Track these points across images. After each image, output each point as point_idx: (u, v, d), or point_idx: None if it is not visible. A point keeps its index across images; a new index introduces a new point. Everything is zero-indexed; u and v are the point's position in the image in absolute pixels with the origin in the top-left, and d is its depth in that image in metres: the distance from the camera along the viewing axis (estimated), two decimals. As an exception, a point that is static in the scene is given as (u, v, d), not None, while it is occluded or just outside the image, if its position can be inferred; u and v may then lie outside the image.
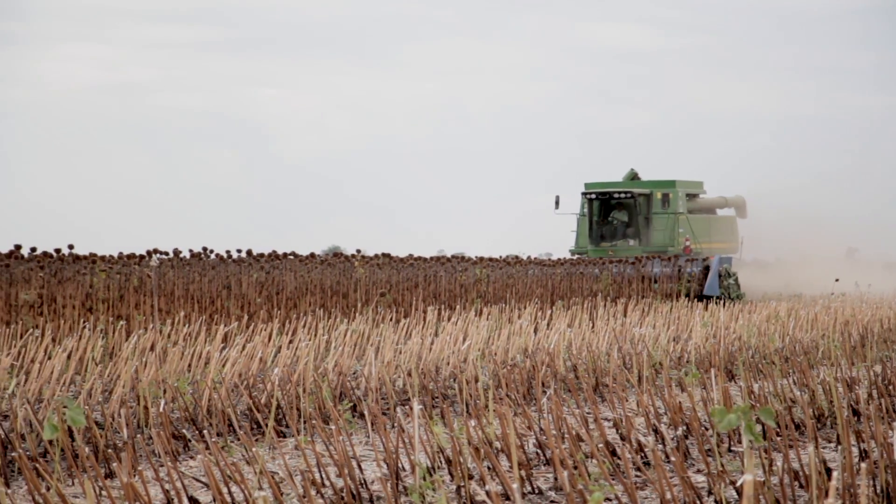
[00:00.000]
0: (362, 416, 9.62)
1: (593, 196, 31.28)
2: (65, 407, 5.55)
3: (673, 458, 6.38)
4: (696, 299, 25.17)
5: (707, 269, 26.69)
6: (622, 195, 31.13)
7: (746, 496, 4.11)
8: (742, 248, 33.57)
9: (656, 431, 8.28)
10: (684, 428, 8.41)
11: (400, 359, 11.60)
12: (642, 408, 8.62)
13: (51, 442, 7.44)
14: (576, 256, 30.87)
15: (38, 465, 6.95)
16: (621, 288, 25.53)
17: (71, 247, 17.06)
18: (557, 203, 31.49)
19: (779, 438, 7.89)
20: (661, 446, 8.13)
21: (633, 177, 32.43)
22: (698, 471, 7.45)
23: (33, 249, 16.71)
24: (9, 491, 6.39)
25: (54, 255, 16.78)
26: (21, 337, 13.63)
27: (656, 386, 11.14)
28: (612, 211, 31.32)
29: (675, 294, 25.80)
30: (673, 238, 31.11)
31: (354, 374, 11.81)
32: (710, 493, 6.66)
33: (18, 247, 16.52)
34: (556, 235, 34.72)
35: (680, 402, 8.69)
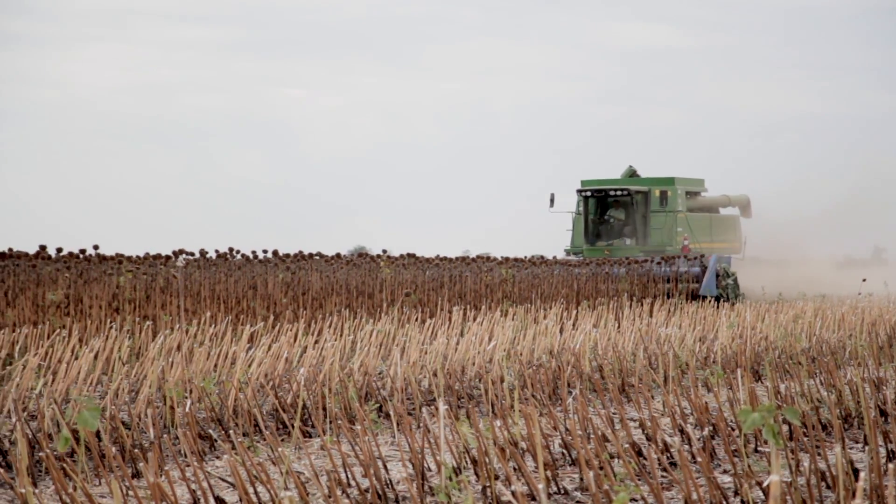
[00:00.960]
0: (388, 416, 9.63)
1: (589, 193, 30.32)
2: (83, 405, 5.57)
3: (699, 459, 6.36)
4: (690, 300, 24.20)
5: (706, 268, 25.74)
6: (619, 193, 30.12)
7: (773, 497, 4.09)
8: (745, 248, 32.31)
9: (682, 432, 8.26)
10: (710, 428, 8.38)
11: (425, 359, 11.60)
12: (668, 408, 8.60)
13: (77, 442, 7.46)
14: (571, 256, 29.71)
15: (65, 465, 6.98)
16: (647, 288, 25.01)
17: (96, 247, 17.12)
18: (552, 201, 30.49)
19: (805, 439, 7.86)
20: (687, 447, 8.11)
21: (632, 174, 31.50)
22: (724, 471, 7.42)
23: (59, 250, 16.78)
24: (36, 490, 6.42)
25: (80, 255, 16.85)
26: (48, 337, 13.69)
27: (682, 386, 11.12)
28: (609, 209, 30.39)
29: (656, 295, 24.40)
30: (671, 237, 30.20)
31: (380, 374, 11.81)
32: (736, 493, 6.64)
33: (44, 247, 16.60)
34: (552, 235, 33.94)
35: (706, 403, 8.67)
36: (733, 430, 8.40)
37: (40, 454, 7.68)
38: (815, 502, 6.13)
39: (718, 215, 32.59)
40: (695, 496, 6.17)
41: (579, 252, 30.05)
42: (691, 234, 30.39)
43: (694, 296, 24.64)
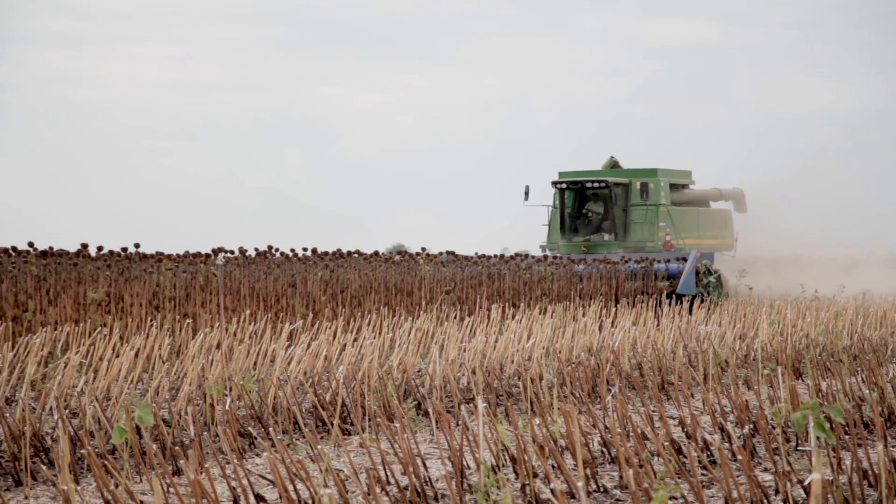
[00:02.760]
0: (427, 413, 9.63)
1: (564, 185, 28.28)
2: (133, 405, 5.60)
3: (739, 457, 6.33)
4: (668, 298, 22.42)
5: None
6: (596, 185, 28.04)
7: (814, 495, 4.06)
8: (737, 244, 30.34)
9: (722, 430, 8.22)
10: (751, 426, 8.34)
11: (464, 357, 11.60)
12: (708, 406, 8.56)
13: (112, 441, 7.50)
14: (546, 253, 27.49)
15: (106, 463, 7.02)
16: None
17: (137, 245, 17.22)
18: (527, 194, 28.44)
19: (847, 437, 7.80)
20: (727, 445, 8.07)
21: (613, 165, 29.49)
22: (765, 469, 7.39)
23: (100, 248, 16.88)
24: (78, 488, 6.46)
25: (121, 253, 16.95)
26: (89, 335, 13.78)
27: (722, 384, 11.07)
28: (588, 202, 28.39)
29: (619, 295, 22.56)
30: (653, 233, 28.05)
31: (419, 372, 11.82)
32: (777, 491, 6.60)
33: (86, 246, 16.70)
34: (527, 229, 31.85)
35: (746, 401, 8.62)
36: (774, 428, 8.35)
37: (82, 451, 7.73)
38: (857, 501, 6.09)
39: (707, 210, 30.40)
40: (735, 494, 6.14)
41: (555, 248, 28.35)
42: (674, 229, 28.37)
43: (668, 295, 22.95)
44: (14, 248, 15.95)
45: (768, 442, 7.18)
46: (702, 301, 22.33)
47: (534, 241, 29.12)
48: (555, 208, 28.59)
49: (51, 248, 16.28)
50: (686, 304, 19.97)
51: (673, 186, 28.98)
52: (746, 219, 31.62)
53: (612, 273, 22.80)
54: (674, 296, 22.57)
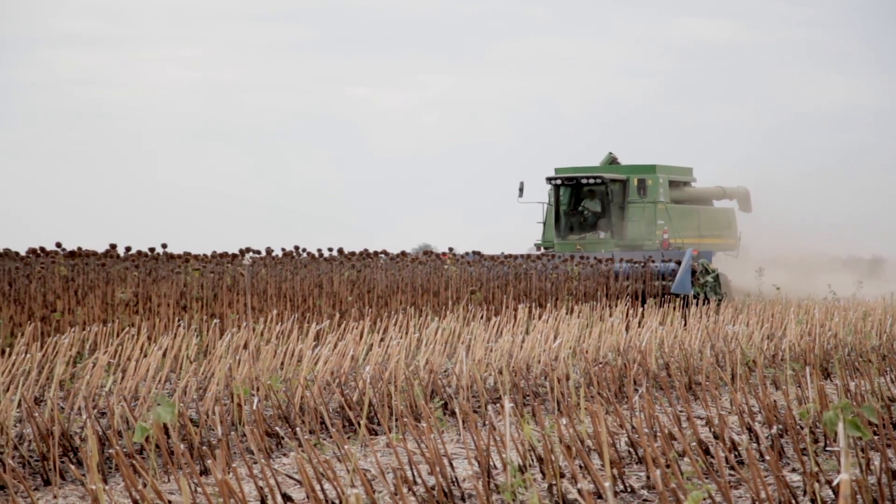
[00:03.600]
0: (453, 413, 9.63)
1: (559, 182, 27.29)
2: (158, 404, 5.63)
3: (767, 457, 6.30)
4: (660, 299, 21.66)
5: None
6: (592, 181, 27.04)
7: (843, 496, 4.05)
8: (740, 244, 29.30)
9: (750, 430, 8.19)
10: (779, 427, 8.31)
11: (491, 357, 11.60)
12: (736, 406, 8.53)
13: (147, 439, 7.54)
14: (541, 251, 26.54)
15: (134, 462, 7.05)
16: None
17: (165, 246, 17.28)
18: (521, 191, 27.43)
19: (876, 437, 7.76)
20: (755, 445, 8.04)
21: (611, 161, 28.54)
22: (793, 470, 7.36)
23: (128, 249, 16.95)
24: (106, 487, 6.49)
25: (149, 254, 17.01)
26: (117, 335, 13.83)
27: (750, 384, 11.03)
28: (584, 200, 27.39)
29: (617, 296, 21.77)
30: (651, 231, 27.00)
31: (445, 372, 11.82)
32: (805, 492, 6.58)
33: (114, 246, 16.77)
34: (521, 228, 30.72)
35: (774, 401, 8.59)
36: (802, 428, 8.32)
37: (110, 451, 7.76)
38: (885, 501, 6.05)
39: (709, 208, 29.49)
40: (763, 495, 6.11)
41: (550, 247, 27.30)
42: (673, 227, 27.21)
43: (663, 294, 22.09)
44: (42, 249, 16.03)
45: (796, 442, 7.15)
46: (697, 301, 21.49)
47: (528, 239, 28.27)
48: (549, 205, 27.65)
49: (79, 248, 16.35)
50: (712, 305, 19.90)
51: (673, 184, 28.13)
52: (775, 217, 30.72)
53: (604, 273, 22.07)
54: (668, 296, 21.82)
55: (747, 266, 28.17)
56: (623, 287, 21.91)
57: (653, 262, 22.46)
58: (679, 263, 22.58)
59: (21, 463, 7.74)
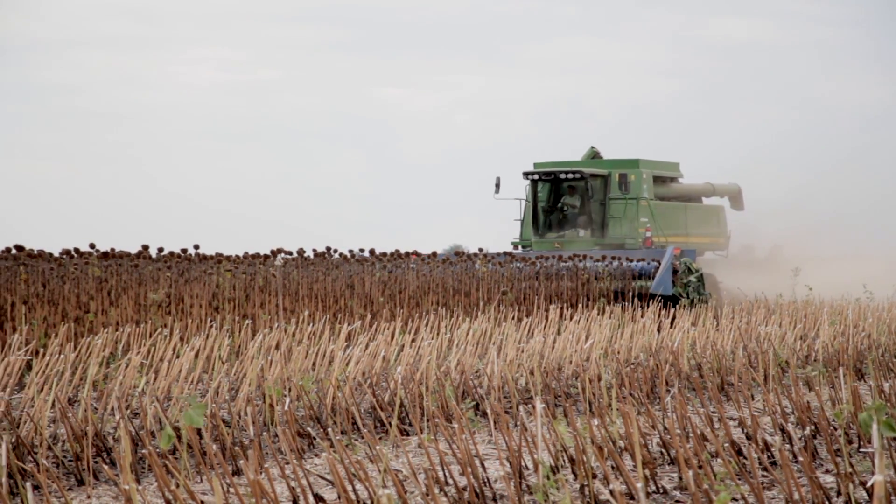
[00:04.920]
0: (485, 414, 9.63)
1: (537, 177, 25.94)
2: (187, 405, 5.64)
3: (801, 459, 6.27)
4: (638, 300, 20.79)
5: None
6: (571, 176, 25.67)
7: (877, 497, 4.02)
8: (729, 243, 28.21)
9: (783, 431, 8.16)
10: (812, 427, 8.27)
11: (522, 357, 11.59)
12: (768, 407, 8.49)
13: (179, 439, 7.56)
14: (519, 250, 25.66)
15: (167, 463, 7.08)
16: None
17: (197, 247, 17.34)
18: (498, 186, 26.13)
19: (910, 439, 7.72)
20: (788, 446, 8.01)
21: (594, 156, 27.26)
22: (827, 471, 7.32)
23: (161, 250, 17.02)
24: (139, 487, 6.51)
25: (181, 255, 17.08)
26: (150, 336, 13.89)
27: (783, 385, 10.98)
28: (563, 196, 26.09)
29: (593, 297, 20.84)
30: (633, 228, 25.74)
31: (477, 372, 11.82)
32: (839, 493, 6.54)
33: (146, 247, 16.85)
34: (498, 226, 29.61)
35: (808, 402, 8.55)
36: (835, 429, 8.28)
37: (143, 451, 7.80)
38: (920, 503, 6.01)
39: (697, 205, 28.07)
40: (796, 496, 6.08)
41: (528, 245, 26.09)
42: (656, 224, 25.91)
43: (642, 296, 21.09)
44: (76, 250, 16.12)
45: (830, 443, 7.12)
46: (675, 303, 20.66)
47: (505, 237, 26.98)
48: (527, 202, 26.37)
49: (112, 249, 16.43)
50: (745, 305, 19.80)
51: (658, 179, 26.90)
52: (804, 217, 30.04)
53: (575, 272, 21.13)
54: (646, 297, 20.98)
55: (739, 266, 27.35)
56: (598, 288, 21.11)
57: (630, 261, 21.63)
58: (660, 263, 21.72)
59: (55, 463, 7.78)
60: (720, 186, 28.77)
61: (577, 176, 25.61)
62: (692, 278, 21.96)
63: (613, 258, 21.56)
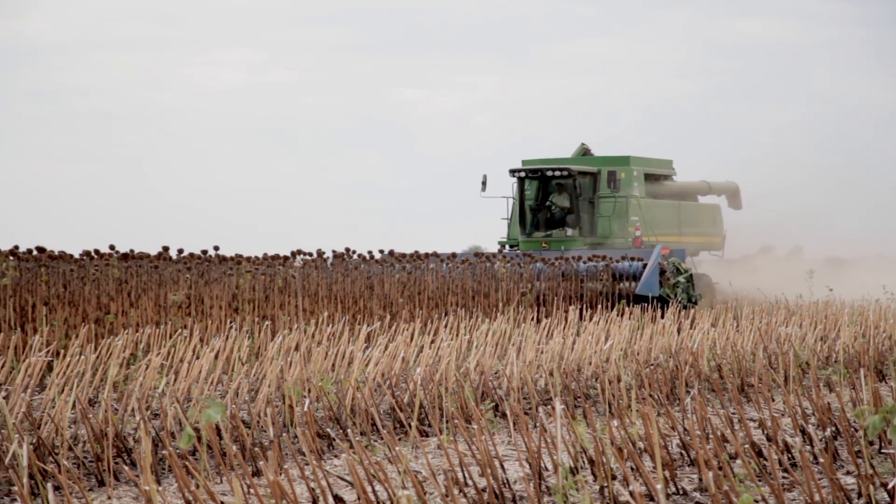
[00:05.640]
0: (504, 415, 9.62)
1: (524, 174, 25.10)
2: (209, 406, 5.65)
3: (821, 460, 6.25)
4: (625, 302, 20.03)
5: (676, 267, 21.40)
6: (559, 174, 24.82)
7: (899, 499, 4.00)
8: (725, 243, 27.47)
9: (803, 432, 8.13)
10: (833, 429, 8.24)
11: (541, 358, 11.58)
12: (789, 408, 8.47)
13: (199, 440, 7.58)
14: (507, 249, 24.94)
15: (187, 464, 7.09)
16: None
17: (217, 248, 17.39)
18: (484, 184, 25.41)
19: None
20: (808, 447, 7.98)
21: (584, 152, 26.57)
22: (847, 472, 7.29)
23: (181, 251, 17.06)
24: (160, 488, 6.53)
25: (201, 256, 17.11)
26: (170, 337, 13.92)
27: (803, 386, 10.95)
28: (552, 194, 25.29)
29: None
30: (623, 227, 24.97)
31: (496, 373, 11.82)
32: (859, 495, 6.52)
33: (167, 248, 16.89)
34: (485, 225, 28.24)
35: (828, 403, 8.52)
36: (856, 430, 8.25)
37: (163, 452, 7.82)
38: (942, 505, 5.99)
39: (691, 204, 27.20)
40: (817, 498, 6.07)
41: (515, 245, 25.37)
42: (646, 223, 25.08)
43: (627, 297, 20.44)
44: (96, 251, 16.17)
45: (851, 445, 7.09)
46: (664, 304, 19.92)
47: (493, 236, 26.31)
48: (515, 200, 25.58)
49: (132, 250, 16.48)
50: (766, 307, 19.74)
51: (650, 177, 26.16)
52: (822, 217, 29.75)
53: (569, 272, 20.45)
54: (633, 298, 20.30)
55: (734, 266, 26.64)
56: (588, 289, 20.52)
57: (617, 261, 20.92)
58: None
59: (76, 464, 7.81)
60: (716, 184, 28.05)
61: (565, 173, 24.88)
62: (681, 279, 21.24)
63: (601, 258, 20.99)
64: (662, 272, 20.83)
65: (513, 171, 25.27)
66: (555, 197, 25.24)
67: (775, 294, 22.36)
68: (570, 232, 25.00)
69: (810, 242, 29.38)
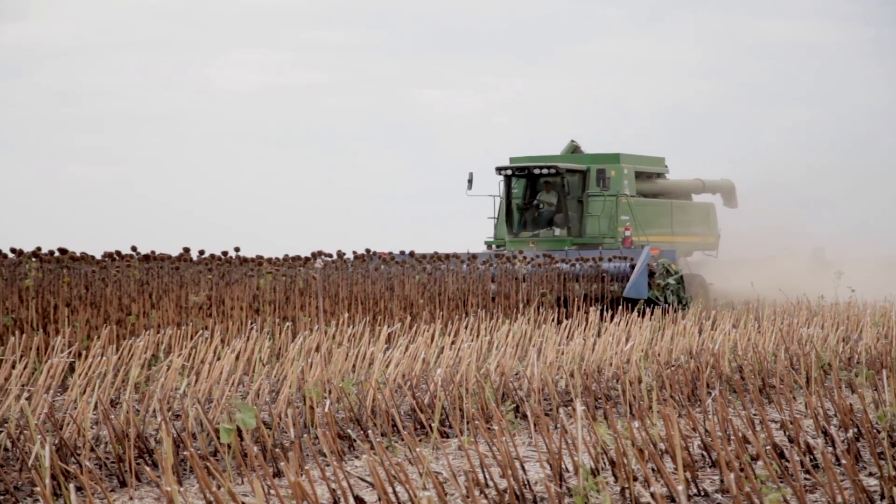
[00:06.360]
0: (525, 416, 9.61)
1: (511, 172, 24.33)
2: (236, 408, 5.67)
3: (843, 461, 6.23)
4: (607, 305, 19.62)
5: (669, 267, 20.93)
6: (546, 172, 24.08)
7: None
8: (719, 243, 26.65)
9: (825, 433, 8.10)
10: (855, 430, 8.21)
11: (562, 359, 11.57)
12: (810, 409, 8.44)
13: (219, 441, 7.59)
14: (493, 249, 24.34)
15: (208, 464, 7.11)
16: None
17: (237, 249, 17.42)
18: (470, 182, 24.59)
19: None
20: (830, 449, 7.95)
21: (573, 150, 25.77)
22: (870, 474, 7.27)
23: (202, 252, 17.10)
24: (181, 489, 6.54)
25: (222, 257, 17.15)
26: (191, 338, 13.96)
27: (825, 387, 10.91)
28: (540, 192, 24.48)
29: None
30: (612, 227, 24.16)
31: (516, 374, 11.81)
32: (882, 496, 6.49)
33: (187, 250, 16.93)
34: (472, 224, 25.87)
35: (850, 404, 8.49)
36: (879, 432, 8.21)
37: (185, 453, 7.83)
38: (965, 507, 5.96)
39: (684, 202, 26.38)
40: (839, 499, 6.04)
41: (502, 245, 24.66)
42: (637, 223, 24.25)
43: (615, 300, 19.84)
44: (118, 253, 16.22)
45: (873, 446, 7.06)
46: (653, 307, 19.26)
47: (479, 236, 25.53)
48: (501, 198, 24.82)
49: (153, 252, 16.53)
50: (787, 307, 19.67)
51: (642, 175, 25.35)
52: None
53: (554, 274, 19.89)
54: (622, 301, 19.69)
55: (730, 267, 25.76)
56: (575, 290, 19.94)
57: (606, 261, 20.32)
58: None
59: (97, 464, 7.83)
60: (711, 183, 27.26)
61: (553, 171, 24.14)
62: (671, 280, 20.61)
63: (587, 259, 20.46)
64: (652, 274, 20.29)
65: (499, 169, 24.60)
66: (542, 195, 24.56)
67: (797, 295, 22.15)
68: (557, 232, 24.32)
69: (832, 244, 29.10)
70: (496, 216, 25.16)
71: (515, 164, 24.61)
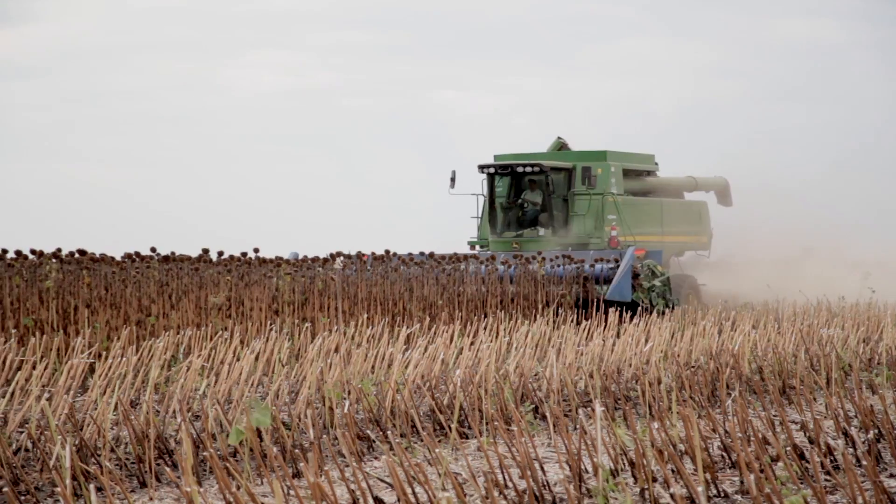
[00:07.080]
0: (544, 417, 9.61)
1: (494, 170, 23.66)
2: (252, 408, 5.68)
3: (864, 463, 6.21)
4: (578, 308, 19.15)
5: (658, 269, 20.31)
6: (530, 170, 23.34)
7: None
8: (711, 243, 25.95)
9: (846, 435, 8.08)
10: (876, 431, 8.18)
11: (581, 360, 11.56)
12: (831, 410, 8.41)
13: (240, 442, 7.61)
14: (477, 249, 23.89)
15: (228, 465, 7.12)
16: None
17: (257, 250, 17.44)
18: (453, 181, 23.93)
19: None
20: (851, 450, 7.93)
21: (560, 147, 24.99)
22: (891, 475, 7.24)
23: (221, 253, 17.14)
24: (201, 490, 6.56)
25: (241, 258, 17.18)
26: (211, 339, 13.99)
27: (845, 388, 10.87)
28: (524, 191, 23.78)
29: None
30: (599, 227, 23.48)
31: (536, 375, 11.80)
32: (903, 498, 6.47)
33: (207, 251, 16.96)
34: (455, 223, 25.11)
35: (871, 405, 8.46)
36: (899, 433, 8.18)
37: (204, 454, 7.85)
38: None
39: (675, 201, 25.59)
40: (860, 501, 6.02)
41: (485, 245, 24.08)
42: (624, 222, 23.53)
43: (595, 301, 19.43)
44: (138, 254, 16.27)
45: (894, 447, 7.04)
46: (633, 310, 18.74)
47: (462, 236, 25.17)
48: (484, 197, 24.16)
49: (173, 253, 16.57)
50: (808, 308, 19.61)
51: (630, 173, 24.68)
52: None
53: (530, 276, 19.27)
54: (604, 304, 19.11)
55: (726, 268, 25.32)
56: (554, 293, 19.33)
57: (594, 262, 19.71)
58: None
59: (117, 465, 7.85)
60: (704, 180, 26.59)
61: (537, 169, 23.41)
62: (656, 283, 19.93)
63: (570, 260, 19.90)
64: (636, 276, 19.72)
65: (482, 167, 23.95)
66: (527, 194, 23.88)
67: (817, 297, 22.00)
68: (542, 232, 23.64)
69: (853, 245, 28.93)
70: (479, 216, 24.55)
71: (499, 162, 23.93)
